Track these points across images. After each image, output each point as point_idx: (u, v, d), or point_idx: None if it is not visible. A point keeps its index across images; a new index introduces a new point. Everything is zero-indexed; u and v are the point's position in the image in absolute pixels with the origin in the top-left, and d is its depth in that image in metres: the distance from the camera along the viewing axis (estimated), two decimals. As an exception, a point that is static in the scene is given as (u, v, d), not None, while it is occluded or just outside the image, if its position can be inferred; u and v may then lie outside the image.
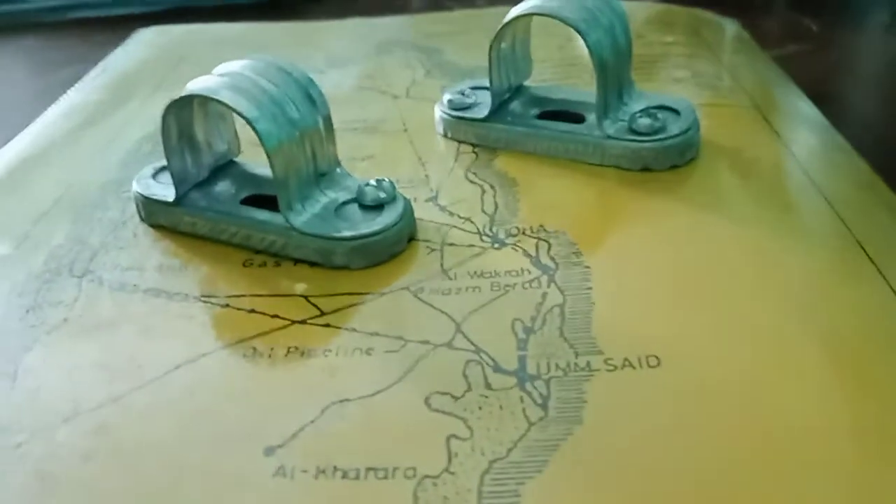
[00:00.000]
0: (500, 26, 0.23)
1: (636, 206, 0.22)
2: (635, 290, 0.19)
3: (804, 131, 0.26)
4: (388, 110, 0.28)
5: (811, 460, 0.14)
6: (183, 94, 0.20)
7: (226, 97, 0.19)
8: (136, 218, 0.23)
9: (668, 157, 0.23)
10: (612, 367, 0.16)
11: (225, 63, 0.21)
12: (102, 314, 0.19)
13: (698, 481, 0.14)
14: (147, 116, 0.29)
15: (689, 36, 0.33)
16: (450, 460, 0.15)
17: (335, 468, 0.15)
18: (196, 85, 0.20)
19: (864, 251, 0.19)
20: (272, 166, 0.20)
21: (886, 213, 0.21)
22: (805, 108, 0.27)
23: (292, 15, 0.40)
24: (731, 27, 0.35)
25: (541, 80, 0.28)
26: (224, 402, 0.16)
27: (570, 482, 0.14)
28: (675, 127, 0.23)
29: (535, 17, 0.23)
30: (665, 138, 0.23)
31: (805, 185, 0.22)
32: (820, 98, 0.28)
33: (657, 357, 0.16)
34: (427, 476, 0.14)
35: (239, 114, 0.19)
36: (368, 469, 0.15)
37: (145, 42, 0.38)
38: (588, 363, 0.16)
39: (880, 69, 0.41)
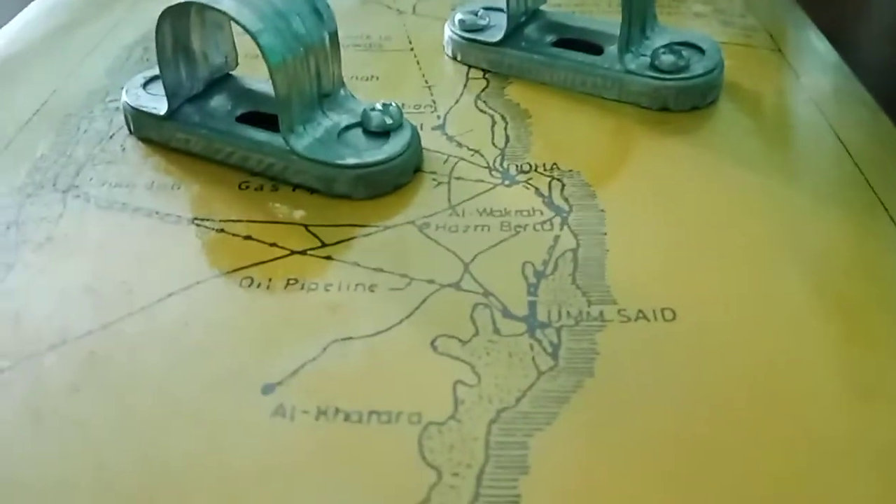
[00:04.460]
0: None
1: (654, 147, 0.21)
2: (652, 237, 0.18)
3: (825, 77, 0.25)
4: (394, 27, 0.27)
5: (824, 416, 0.14)
6: (181, 0, 0.18)
7: (228, 7, 0.18)
8: (125, 130, 0.21)
9: (689, 98, 0.22)
10: (625, 319, 0.16)
11: (225, -33, 0.19)
12: (89, 234, 0.18)
13: (711, 439, 0.13)
14: (139, 18, 0.27)
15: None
16: (456, 407, 0.14)
17: (337, 410, 0.14)
18: (194, -10, 0.18)
19: (883, 206, 0.18)
20: (274, 84, 0.18)
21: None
22: (826, 52, 0.26)
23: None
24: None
25: (555, 4, 0.26)
26: (219, 335, 0.16)
27: (579, 436, 0.14)
28: (699, 66, 0.22)
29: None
30: (688, 77, 0.21)
31: (827, 137, 0.21)
32: (838, 40, 0.27)
33: (673, 310, 0.16)
34: (432, 422, 0.14)
35: (242, 26, 0.18)
36: (371, 412, 0.14)
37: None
38: (601, 313, 0.16)
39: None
